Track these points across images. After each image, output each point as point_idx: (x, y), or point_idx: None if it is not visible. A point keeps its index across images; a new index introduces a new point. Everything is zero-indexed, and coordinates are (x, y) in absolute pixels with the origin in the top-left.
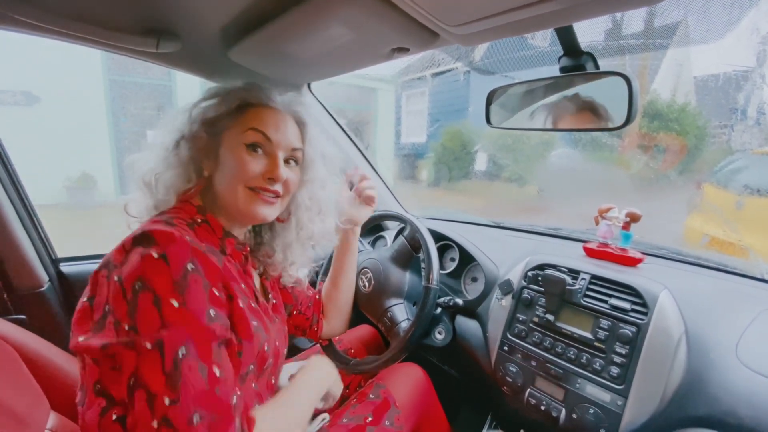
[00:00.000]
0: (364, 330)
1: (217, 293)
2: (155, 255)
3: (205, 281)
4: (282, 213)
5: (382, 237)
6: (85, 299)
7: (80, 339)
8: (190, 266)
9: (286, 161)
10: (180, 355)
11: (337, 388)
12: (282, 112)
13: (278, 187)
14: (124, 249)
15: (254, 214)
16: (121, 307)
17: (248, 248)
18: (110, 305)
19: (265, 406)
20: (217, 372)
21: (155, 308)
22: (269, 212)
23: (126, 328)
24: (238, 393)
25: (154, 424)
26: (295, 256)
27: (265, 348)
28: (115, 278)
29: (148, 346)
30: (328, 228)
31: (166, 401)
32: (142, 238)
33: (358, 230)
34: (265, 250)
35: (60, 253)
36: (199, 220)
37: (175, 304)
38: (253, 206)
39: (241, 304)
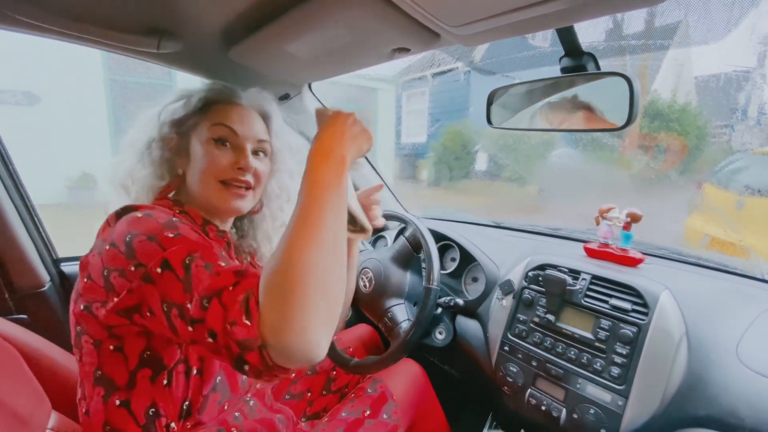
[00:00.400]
0: (362, 329)
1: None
2: (140, 214)
3: (194, 232)
4: (255, 204)
5: (383, 237)
6: (84, 280)
7: (115, 300)
8: (174, 219)
9: (255, 153)
10: (188, 261)
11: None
12: (246, 107)
13: (249, 178)
14: (109, 224)
15: (227, 207)
16: (120, 259)
17: (228, 237)
18: (109, 268)
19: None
20: (222, 264)
21: (152, 242)
22: (242, 204)
23: (132, 269)
24: (250, 270)
25: (190, 328)
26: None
27: None
28: (107, 246)
29: (159, 270)
30: None
31: (189, 306)
32: (123, 210)
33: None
34: (249, 243)
35: (61, 253)
36: (177, 211)
37: (170, 234)
38: (226, 200)
39: None
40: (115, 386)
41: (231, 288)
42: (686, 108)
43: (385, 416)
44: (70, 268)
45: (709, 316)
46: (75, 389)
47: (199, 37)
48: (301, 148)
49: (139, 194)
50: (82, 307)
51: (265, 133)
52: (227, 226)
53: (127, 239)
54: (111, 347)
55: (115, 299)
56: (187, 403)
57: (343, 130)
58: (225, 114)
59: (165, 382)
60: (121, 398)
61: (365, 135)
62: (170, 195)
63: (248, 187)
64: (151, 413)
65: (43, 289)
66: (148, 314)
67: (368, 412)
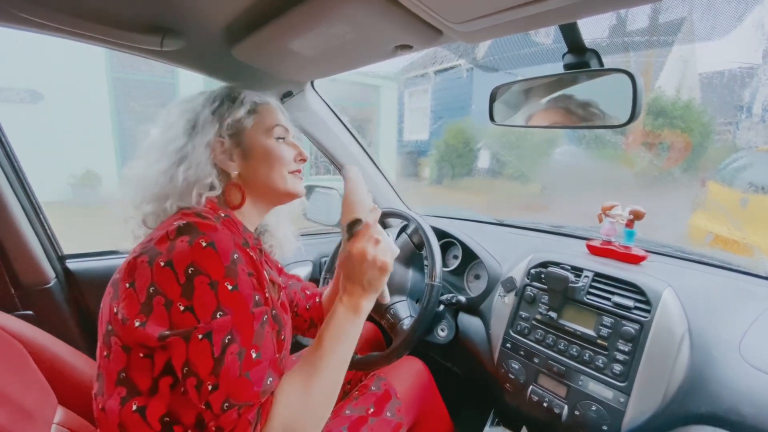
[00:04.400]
0: (365, 326)
1: (255, 282)
2: (204, 243)
3: (248, 269)
4: None
5: None
6: (126, 285)
7: (136, 324)
8: (235, 255)
9: None
10: (227, 341)
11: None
12: (273, 104)
13: (301, 165)
14: (168, 238)
15: (298, 191)
16: (174, 289)
17: (261, 244)
18: (157, 287)
19: (288, 378)
20: (254, 354)
21: (212, 291)
22: (303, 186)
23: (181, 308)
24: (273, 375)
25: (202, 405)
26: (286, 229)
27: (282, 337)
28: (162, 263)
29: (200, 336)
30: None
31: (209, 387)
32: (186, 228)
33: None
34: (269, 239)
35: (65, 251)
36: (222, 215)
37: (229, 287)
38: (296, 185)
39: (267, 294)
40: (138, 390)
41: (251, 404)
42: (690, 105)
43: (388, 414)
44: (75, 264)
45: (711, 313)
46: (81, 384)
47: (202, 34)
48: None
49: (198, 198)
50: (115, 311)
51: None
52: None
53: (189, 272)
54: (141, 354)
55: (144, 332)
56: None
57: (362, 280)
58: (274, 114)
59: (183, 389)
60: (138, 403)
61: (382, 274)
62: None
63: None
64: (166, 420)
65: (48, 285)
66: (167, 358)
67: (372, 410)
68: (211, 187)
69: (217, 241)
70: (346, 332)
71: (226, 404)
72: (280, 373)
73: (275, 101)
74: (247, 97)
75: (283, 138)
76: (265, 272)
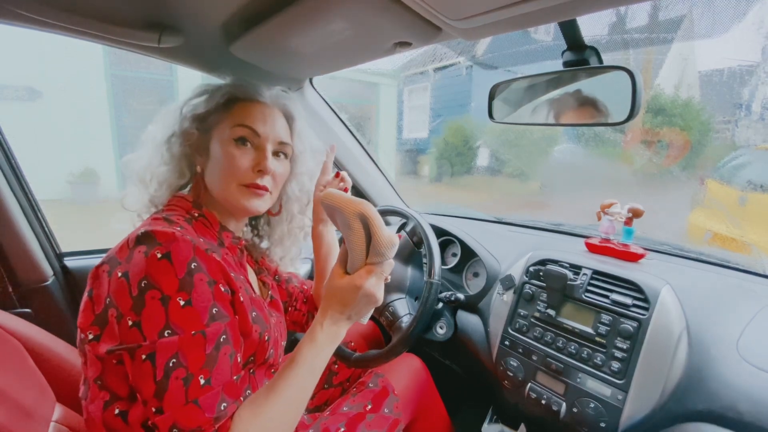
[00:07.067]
0: (364, 324)
1: (222, 289)
2: (159, 255)
3: (210, 278)
4: (274, 206)
5: None
6: (86, 294)
7: (90, 337)
8: (193, 264)
9: (275, 154)
10: (171, 364)
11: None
12: (270, 105)
13: (267, 182)
14: (128, 246)
15: (245, 206)
16: (126, 301)
17: (243, 243)
18: (112, 298)
19: (250, 403)
20: (202, 381)
21: (162, 307)
22: (260, 204)
23: (129, 323)
24: (228, 400)
25: (149, 423)
26: (286, 250)
27: (266, 338)
28: (119, 274)
29: (143, 357)
30: None
31: (153, 409)
32: (144, 238)
33: (331, 226)
34: (265, 244)
35: (63, 249)
36: (195, 215)
37: (181, 302)
38: (245, 199)
39: (241, 298)
40: (118, 396)
41: (203, 431)
42: (689, 103)
43: (386, 410)
44: (73, 262)
45: (709, 311)
46: (79, 382)
47: (200, 31)
48: (321, 149)
49: (155, 189)
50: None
51: (287, 135)
52: (241, 226)
53: (142, 285)
54: (114, 361)
55: (96, 346)
56: None
57: (351, 309)
58: (247, 113)
59: None
60: (120, 408)
61: (370, 307)
62: (186, 192)
63: (266, 190)
64: (150, 425)
65: (46, 283)
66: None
67: (369, 407)
68: (180, 183)
69: (173, 252)
70: (320, 358)
71: (175, 429)
72: (235, 397)
73: (278, 100)
74: (225, 91)
75: (246, 140)
76: (248, 273)
